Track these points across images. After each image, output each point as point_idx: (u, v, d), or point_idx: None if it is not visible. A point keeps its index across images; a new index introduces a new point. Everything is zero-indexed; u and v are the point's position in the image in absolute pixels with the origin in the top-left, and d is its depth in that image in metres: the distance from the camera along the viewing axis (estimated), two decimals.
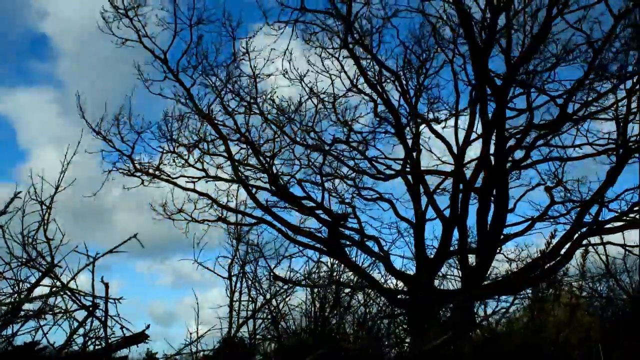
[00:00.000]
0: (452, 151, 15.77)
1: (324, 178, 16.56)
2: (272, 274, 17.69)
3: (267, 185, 16.60)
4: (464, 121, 16.89)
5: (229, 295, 12.17)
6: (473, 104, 15.32)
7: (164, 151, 16.15)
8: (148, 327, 6.46)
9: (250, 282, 8.93)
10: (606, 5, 11.37)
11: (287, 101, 16.35)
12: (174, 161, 16.25)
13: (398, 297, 17.10)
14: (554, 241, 16.60)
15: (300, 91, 17.30)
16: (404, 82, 16.88)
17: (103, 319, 6.36)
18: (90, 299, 6.46)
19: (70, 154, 8.08)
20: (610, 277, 11.64)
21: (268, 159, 16.75)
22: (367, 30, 16.05)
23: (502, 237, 17.27)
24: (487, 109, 14.50)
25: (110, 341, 6.24)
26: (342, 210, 17.37)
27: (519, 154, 16.66)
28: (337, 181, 18.06)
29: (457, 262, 17.54)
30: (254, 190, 16.67)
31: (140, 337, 6.37)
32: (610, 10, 11.34)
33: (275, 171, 16.77)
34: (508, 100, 15.34)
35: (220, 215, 16.97)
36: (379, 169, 17.16)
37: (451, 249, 17.16)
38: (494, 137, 15.53)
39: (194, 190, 16.55)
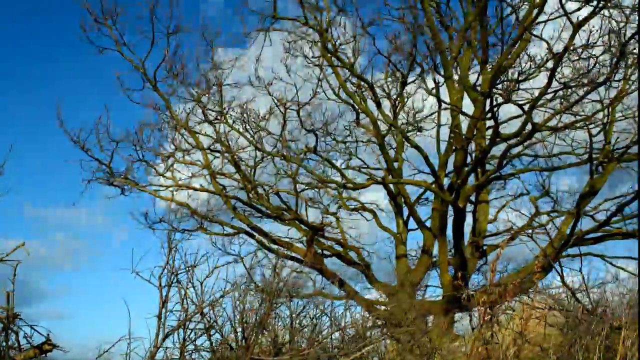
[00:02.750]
0: (428, 162, 15.64)
1: (297, 187, 16.39)
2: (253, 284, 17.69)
3: (246, 195, 16.49)
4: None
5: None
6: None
7: (134, 159, 16.12)
8: (48, 335, 6.41)
9: (184, 292, 8.80)
10: (565, 14, 11.24)
11: (256, 110, 16.24)
12: (145, 170, 16.26)
13: (378, 307, 17.01)
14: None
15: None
16: (385, 90, 16.89)
17: (15, 328, 6.31)
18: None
19: None
20: (566, 288, 11.48)
21: (249, 169, 16.72)
22: (346, 39, 16.09)
23: (485, 247, 17.24)
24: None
25: (22, 350, 6.20)
26: (325, 220, 17.25)
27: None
28: (322, 192, 18.02)
29: (437, 272, 17.36)
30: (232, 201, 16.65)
31: (46, 347, 6.32)
32: (569, 19, 11.23)
33: (253, 181, 16.68)
34: (487, 111, 15.28)
35: (200, 225, 16.97)
36: (348, 179, 17.02)
37: (434, 259, 17.12)
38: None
39: (172, 200, 16.51)
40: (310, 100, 16.00)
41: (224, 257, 17.88)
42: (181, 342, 8.15)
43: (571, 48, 11.74)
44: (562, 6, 11.12)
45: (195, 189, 16.25)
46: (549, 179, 17.47)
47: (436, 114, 16.97)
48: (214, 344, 9.00)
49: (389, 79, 17.09)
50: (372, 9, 16.46)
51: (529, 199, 17.61)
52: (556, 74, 12.62)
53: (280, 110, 15.71)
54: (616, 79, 14.52)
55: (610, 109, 14.58)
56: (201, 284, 8.87)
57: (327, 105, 16.80)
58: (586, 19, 11.18)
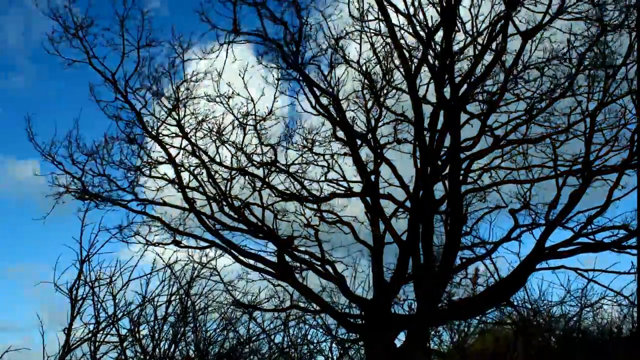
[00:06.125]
0: (397, 174, 15.47)
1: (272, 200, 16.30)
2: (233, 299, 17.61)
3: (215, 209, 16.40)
4: None
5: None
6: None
7: (94, 173, 16.09)
8: None
9: (99, 305, 8.67)
10: (514, 26, 11.14)
11: (218, 124, 16.14)
12: (109, 184, 16.19)
13: (352, 321, 16.86)
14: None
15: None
16: (358, 104, 16.77)
17: None
18: None
19: None
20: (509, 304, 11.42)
21: (225, 182, 16.64)
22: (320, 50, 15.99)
23: (464, 260, 17.00)
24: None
25: None
26: (294, 233, 17.13)
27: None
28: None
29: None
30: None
31: None
32: (518, 30, 11.11)
33: (230, 194, 16.60)
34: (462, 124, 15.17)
35: (174, 238, 16.87)
36: (311, 192, 16.90)
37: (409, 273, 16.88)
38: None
39: (144, 213, 16.46)
40: (267, 115, 15.96)
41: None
42: (91, 353, 8.05)
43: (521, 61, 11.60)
44: (511, 18, 11.00)
45: (156, 203, 16.21)
46: (530, 191, 17.18)
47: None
48: (129, 357, 8.92)
49: (365, 91, 16.96)
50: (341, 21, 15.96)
51: (508, 211, 17.34)
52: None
53: (241, 124, 15.68)
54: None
55: (590, 121, 14.56)
56: (114, 297, 8.77)
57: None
58: (533, 31, 11.06)
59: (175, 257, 16.73)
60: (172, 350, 10.78)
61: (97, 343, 8.49)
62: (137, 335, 9.46)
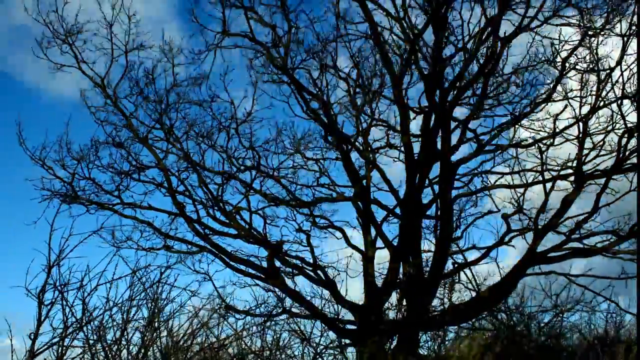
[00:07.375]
0: (386, 179, 15.41)
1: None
2: (224, 304, 17.49)
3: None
4: None
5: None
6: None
7: (81, 177, 16.03)
8: None
9: (69, 309, 8.63)
10: (498, 39, 11.06)
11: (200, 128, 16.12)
12: (97, 188, 16.12)
13: (344, 327, 16.74)
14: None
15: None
16: (347, 109, 16.69)
17: None
18: None
19: None
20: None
21: (217, 186, 16.61)
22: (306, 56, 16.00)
23: (456, 265, 16.88)
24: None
25: None
26: (283, 238, 17.06)
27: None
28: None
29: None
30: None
31: None
32: (497, 36, 11.05)
33: (220, 199, 16.53)
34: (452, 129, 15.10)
35: (164, 243, 16.80)
36: (296, 196, 16.82)
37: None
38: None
39: (134, 218, 16.36)
40: (247, 118, 15.88)
41: (191, 275, 17.87)
42: (58, 357, 7.99)
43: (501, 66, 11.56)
44: (493, 24, 10.92)
45: (143, 207, 16.13)
46: (524, 195, 17.05)
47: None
48: None
49: (357, 95, 16.91)
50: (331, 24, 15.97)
51: (501, 216, 17.20)
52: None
53: (225, 128, 15.65)
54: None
55: (582, 125, 14.53)
56: (83, 301, 8.71)
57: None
58: (511, 37, 11.00)
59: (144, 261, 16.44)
60: (140, 355, 10.68)
61: (63, 348, 8.44)
62: (104, 339, 9.40)
